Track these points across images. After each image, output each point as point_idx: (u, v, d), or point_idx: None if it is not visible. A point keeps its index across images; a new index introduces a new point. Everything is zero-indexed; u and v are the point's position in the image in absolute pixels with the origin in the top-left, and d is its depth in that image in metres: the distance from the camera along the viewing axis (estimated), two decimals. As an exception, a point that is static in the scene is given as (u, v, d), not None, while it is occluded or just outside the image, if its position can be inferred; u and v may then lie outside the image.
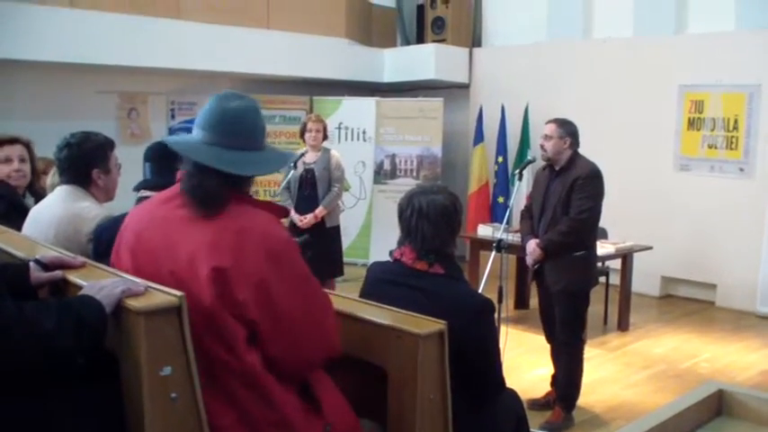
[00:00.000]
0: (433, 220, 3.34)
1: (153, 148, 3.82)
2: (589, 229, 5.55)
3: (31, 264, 2.61)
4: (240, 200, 2.62)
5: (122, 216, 3.26)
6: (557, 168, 5.56)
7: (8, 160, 4.73)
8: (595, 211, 5.49)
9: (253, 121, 2.69)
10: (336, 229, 7.80)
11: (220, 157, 2.58)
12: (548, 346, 5.91)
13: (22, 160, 4.78)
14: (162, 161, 3.65)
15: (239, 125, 2.64)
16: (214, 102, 2.67)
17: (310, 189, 7.55)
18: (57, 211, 3.77)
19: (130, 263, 2.63)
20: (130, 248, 2.66)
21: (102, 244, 3.38)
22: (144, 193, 3.63)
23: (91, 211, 3.70)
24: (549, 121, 5.63)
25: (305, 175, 7.55)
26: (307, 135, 7.58)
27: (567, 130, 5.52)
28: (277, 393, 2.49)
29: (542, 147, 5.56)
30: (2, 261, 2.81)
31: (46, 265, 2.62)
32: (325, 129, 7.72)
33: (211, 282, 2.40)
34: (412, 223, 3.39)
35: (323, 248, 7.31)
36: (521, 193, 8.69)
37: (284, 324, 2.50)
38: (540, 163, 5.78)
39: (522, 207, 6.09)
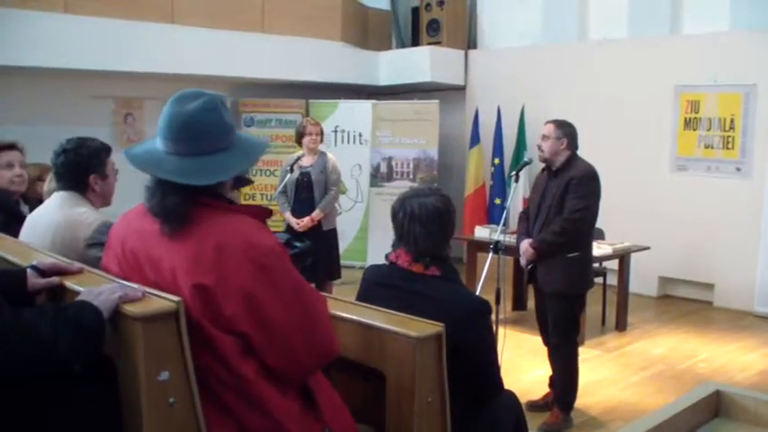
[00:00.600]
0: (425, 222, 3.34)
1: None
2: (583, 231, 5.54)
3: (29, 270, 2.61)
4: (218, 206, 2.52)
5: None
6: (553, 170, 5.56)
7: (10, 165, 4.73)
8: (589, 213, 5.48)
9: (211, 121, 2.52)
10: (333, 232, 7.81)
11: (179, 167, 2.47)
12: (545, 348, 5.90)
13: (21, 165, 4.79)
14: None
15: (196, 129, 2.49)
16: (170, 106, 2.54)
17: (307, 192, 7.56)
18: (54, 217, 3.76)
19: (118, 272, 2.61)
20: (117, 259, 2.65)
21: None
22: None
23: (88, 216, 3.69)
24: (548, 122, 5.64)
25: (301, 178, 7.56)
26: (306, 138, 7.58)
27: (565, 131, 5.53)
28: (273, 401, 2.46)
29: (539, 147, 5.57)
30: (-1, 268, 2.81)
31: (43, 272, 2.61)
32: (321, 132, 7.73)
33: (194, 298, 2.36)
34: (404, 226, 3.39)
35: (320, 251, 7.32)
36: (517, 194, 8.71)
37: (276, 334, 2.44)
38: (537, 165, 5.79)
39: (520, 209, 6.07)
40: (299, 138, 7.67)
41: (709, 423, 2.32)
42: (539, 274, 5.57)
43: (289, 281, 2.50)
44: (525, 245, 5.55)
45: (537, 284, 5.72)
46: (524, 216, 5.87)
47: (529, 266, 5.63)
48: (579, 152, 5.62)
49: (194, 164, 2.49)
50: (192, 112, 2.50)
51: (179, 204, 2.45)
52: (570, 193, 5.39)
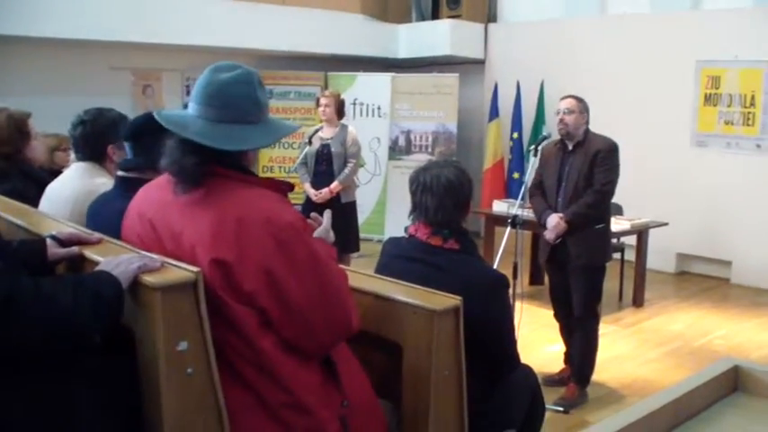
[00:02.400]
0: (436, 193, 3.36)
1: (134, 125, 3.52)
2: (609, 202, 5.62)
3: (48, 240, 2.62)
4: (239, 179, 2.54)
5: (112, 196, 3.27)
6: (570, 144, 5.55)
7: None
8: (616, 184, 5.52)
9: (244, 93, 2.57)
10: (352, 205, 7.81)
11: (204, 130, 2.49)
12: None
13: None
14: (142, 139, 3.35)
15: (230, 97, 2.54)
16: (207, 74, 2.58)
17: (326, 164, 7.58)
18: (73, 187, 3.79)
19: (137, 243, 2.62)
20: (135, 230, 2.66)
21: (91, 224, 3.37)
22: (123, 173, 3.52)
23: (106, 186, 3.69)
24: (568, 97, 5.62)
25: (321, 150, 7.58)
26: (318, 109, 7.65)
27: (585, 105, 5.56)
28: (291, 375, 2.47)
29: (562, 121, 5.53)
30: (19, 237, 2.82)
31: (62, 241, 2.62)
32: (339, 104, 7.73)
33: (213, 271, 2.36)
34: (417, 197, 3.42)
35: (338, 224, 7.32)
36: (536, 169, 8.68)
37: (295, 310, 2.45)
38: (556, 139, 5.77)
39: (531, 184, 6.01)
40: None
41: (727, 397, 2.31)
42: (570, 247, 5.54)
43: (307, 256, 2.49)
44: (555, 219, 5.51)
45: (556, 260, 5.70)
46: (538, 191, 5.83)
47: (557, 240, 5.59)
48: (599, 127, 5.67)
49: (220, 130, 2.51)
50: (226, 81, 2.55)
51: (196, 165, 2.46)
52: (599, 166, 5.42)
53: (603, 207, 5.56)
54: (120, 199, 2.90)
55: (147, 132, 3.16)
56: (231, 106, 2.54)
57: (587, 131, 5.56)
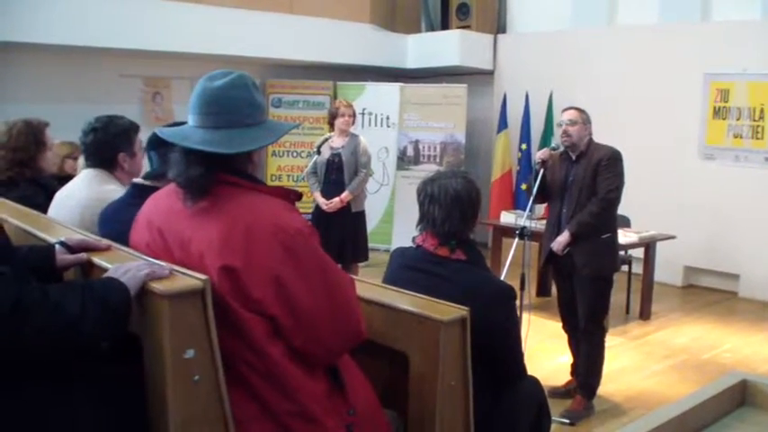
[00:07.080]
0: (443, 204, 3.38)
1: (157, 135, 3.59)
2: (615, 211, 5.61)
3: (57, 246, 2.63)
4: (246, 186, 2.54)
5: (125, 202, 3.29)
6: (574, 154, 5.56)
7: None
8: (621, 192, 5.51)
9: (241, 96, 2.57)
10: (362, 215, 7.82)
11: (205, 138, 2.50)
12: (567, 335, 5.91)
13: None
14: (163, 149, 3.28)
15: (224, 103, 2.54)
16: (201, 83, 2.59)
17: (337, 174, 7.58)
18: (82, 194, 3.80)
19: (145, 251, 2.63)
20: (144, 238, 2.67)
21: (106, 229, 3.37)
22: (140, 180, 3.55)
23: (116, 194, 3.71)
24: (570, 108, 5.63)
25: (332, 159, 7.58)
26: (339, 120, 7.62)
27: (587, 116, 5.58)
28: (298, 383, 2.47)
29: (566, 132, 5.53)
30: (28, 243, 2.83)
31: (71, 248, 2.63)
32: (354, 114, 7.78)
33: (222, 279, 2.36)
34: (424, 207, 3.44)
35: (348, 233, 7.41)
36: (544, 180, 8.67)
37: (303, 317, 2.45)
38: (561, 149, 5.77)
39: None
40: (331, 119, 7.73)
41: (734, 411, 2.30)
42: (575, 257, 5.53)
43: (316, 263, 2.50)
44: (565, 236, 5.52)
45: (562, 271, 5.70)
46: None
47: (564, 251, 5.57)
48: (606, 138, 5.67)
49: (221, 135, 2.51)
50: (220, 87, 2.55)
51: (202, 175, 2.46)
52: (602, 174, 5.41)
53: (609, 215, 5.54)
54: (135, 206, 2.90)
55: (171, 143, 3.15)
56: (229, 111, 2.54)
57: (590, 142, 5.56)
